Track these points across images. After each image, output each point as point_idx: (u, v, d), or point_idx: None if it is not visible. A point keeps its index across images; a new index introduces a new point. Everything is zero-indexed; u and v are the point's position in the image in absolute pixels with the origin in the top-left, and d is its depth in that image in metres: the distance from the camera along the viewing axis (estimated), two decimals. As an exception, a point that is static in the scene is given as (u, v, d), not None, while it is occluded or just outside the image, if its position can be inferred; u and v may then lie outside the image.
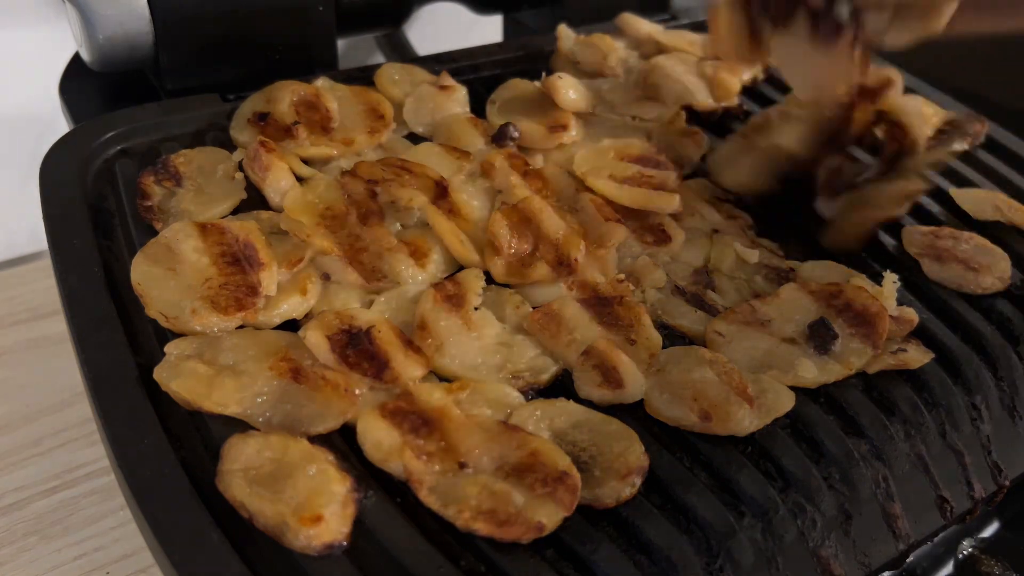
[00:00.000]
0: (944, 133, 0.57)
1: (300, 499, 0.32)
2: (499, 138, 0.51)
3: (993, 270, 0.47)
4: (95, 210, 0.46)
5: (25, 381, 0.61)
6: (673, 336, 0.43)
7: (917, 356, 0.42)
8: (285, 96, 0.52)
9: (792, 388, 0.40)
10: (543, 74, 0.55)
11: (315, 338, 0.38)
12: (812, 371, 0.40)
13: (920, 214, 0.52)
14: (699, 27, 0.69)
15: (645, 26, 0.65)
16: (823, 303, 0.43)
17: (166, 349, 0.38)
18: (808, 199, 0.50)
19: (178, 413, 0.36)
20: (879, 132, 0.54)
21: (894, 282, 0.44)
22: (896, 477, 0.39)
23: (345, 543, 0.32)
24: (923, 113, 0.57)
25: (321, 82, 0.54)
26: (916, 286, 0.47)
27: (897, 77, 0.56)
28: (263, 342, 0.39)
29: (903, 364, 0.42)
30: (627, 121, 0.56)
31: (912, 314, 0.44)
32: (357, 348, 0.38)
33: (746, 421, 0.38)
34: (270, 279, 0.41)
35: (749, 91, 0.62)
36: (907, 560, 0.39)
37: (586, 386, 0.39)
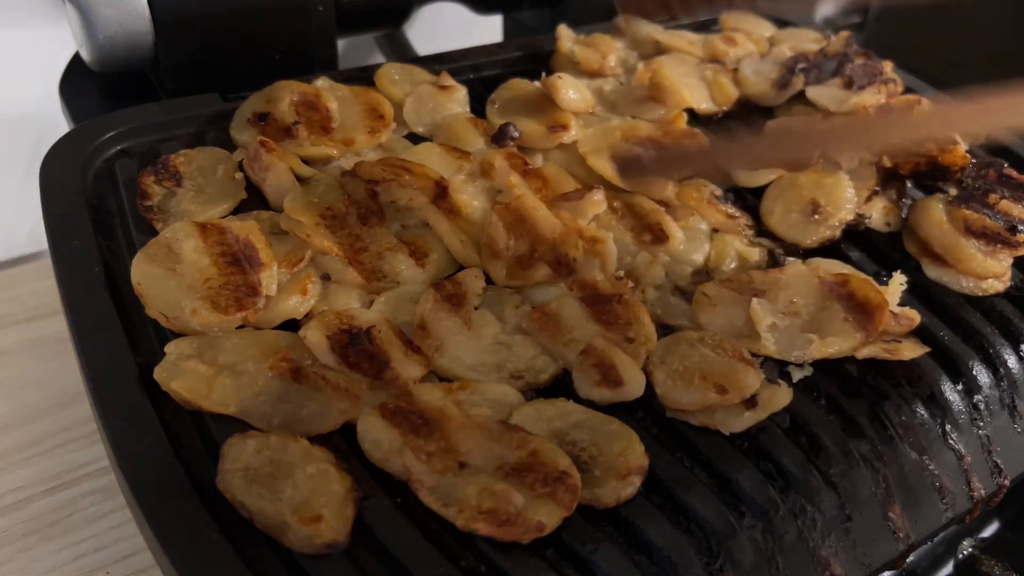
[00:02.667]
0: None
1: (300, 499, 0.32)
2: (499, 138, 0.51)
3: None
4: (95, 210, 0.46)
5: (25, 381, 0.61)
6: (673, 336, 0.43)
7: (911, 348, 0.42)
8: (285, 96, 0.52)
9: (782, 380, 0.40)
10: (543, 74, 0.55)
11: (315, 338, 0.38)
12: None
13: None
14: (699, 27, 0.69)
15: (645, 26, 0.65)
16: (826, 288, 0.43)
17: (166, 349, 0.38)
18: None
19: (178, 413, 0.37)
20: None
21: (901, 284, 0.44)
22: (896, 477, 0.39)
23: (345, 543, 0.32)
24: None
25: (321, 82, 0.54)
26: (916, 286, 0.47)
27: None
28: (263, 342, 0.39)
29: (894, 353, 0.41)
30: (627, 121, 0.56)
31: (913, 314, 0.44)
32: (357, 348, 0.38)
33: (756, 383, 0.39)
34: (270, 279, 0.41)
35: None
36: (907, 560, 0.39)
37: (585, 385, 0.39)
